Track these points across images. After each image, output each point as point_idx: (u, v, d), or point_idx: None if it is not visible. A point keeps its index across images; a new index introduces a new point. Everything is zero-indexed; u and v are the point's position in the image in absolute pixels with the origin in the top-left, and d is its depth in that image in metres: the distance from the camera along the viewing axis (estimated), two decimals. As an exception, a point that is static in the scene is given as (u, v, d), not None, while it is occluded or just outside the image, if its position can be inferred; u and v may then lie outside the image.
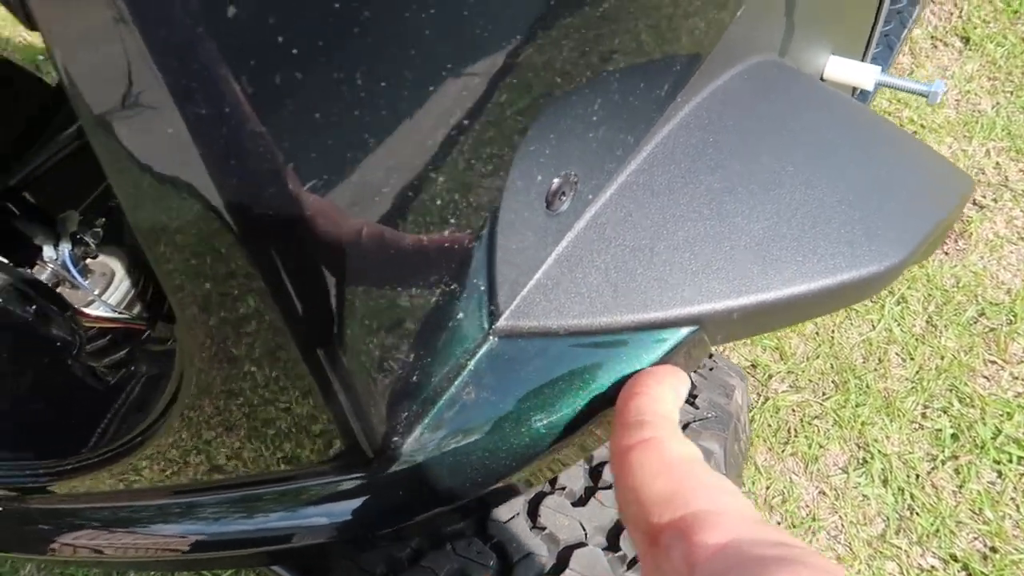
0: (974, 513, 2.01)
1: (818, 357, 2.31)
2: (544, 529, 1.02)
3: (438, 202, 0.51)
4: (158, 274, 0.45)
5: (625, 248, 0.61)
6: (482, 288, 0.58)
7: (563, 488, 1.07)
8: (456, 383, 0.59)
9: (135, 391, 0.65)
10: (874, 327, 2.33)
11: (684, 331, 0.58)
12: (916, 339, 2.27)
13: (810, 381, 2.29)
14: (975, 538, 1.98)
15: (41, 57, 3.52)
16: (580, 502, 1.04)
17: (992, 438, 2.08)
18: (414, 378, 0.57)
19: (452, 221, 0.53)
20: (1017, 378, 2.17)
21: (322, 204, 0.45)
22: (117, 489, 0.61)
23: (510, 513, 1.04)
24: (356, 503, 0.60)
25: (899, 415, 2.16)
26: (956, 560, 1.95)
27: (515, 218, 0.57)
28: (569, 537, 1.01)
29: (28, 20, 0.40)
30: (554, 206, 0.60)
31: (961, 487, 2.05)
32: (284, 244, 0.44)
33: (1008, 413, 2.11)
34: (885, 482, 2.08)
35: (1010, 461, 2.05)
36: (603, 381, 0.59)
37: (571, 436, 0.60)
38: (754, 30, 0.74)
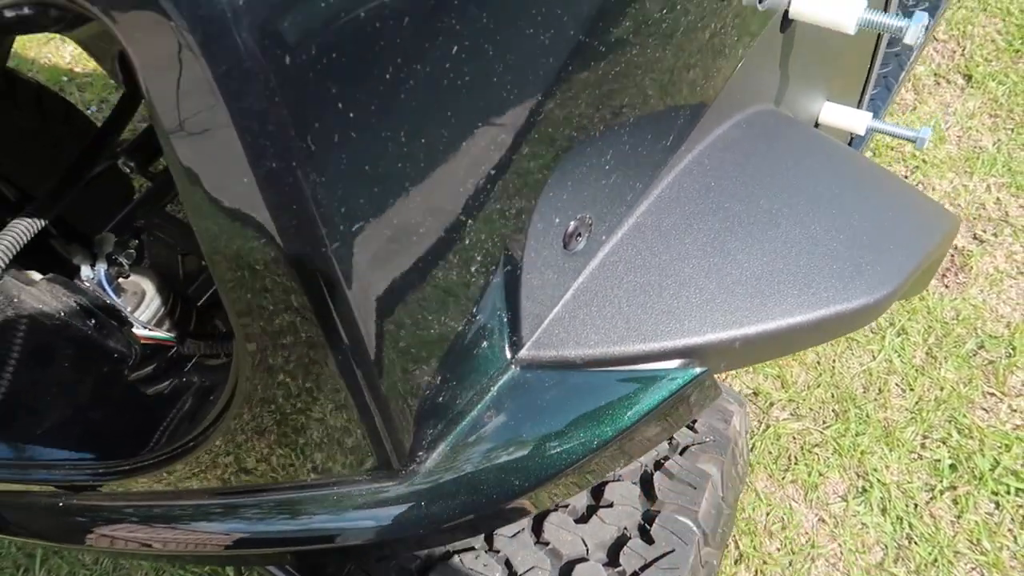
0: (972, 544, 2.07)
1: (819, 386, 2.38)
2: (547, 544, 1.09)
3: (467, 241, 0.59)
4: (224, 298, 0.52)
5: (636, 284, 0.68)
6: (506, 320, 0.65)
7: (566, 505, 1.14)
8: (479, 406, 0.67)
9: (186, 402, 0.72)
10: (874, 357, 2.40)
11: (696, 370, 0.65)
12: (916, 370, 2.34)
13: (811, 409, 2.35)
14: (973, 568, 2.04)
15: (65, 78, 3.63)
16: (582, 519, 1.12)
17: (990, 469, 2.15)
18: (441, 399, 0.65)
19: (479, 259, 0.61)
20: (1015, 411, 2.23)
21: (369, 243, 0.52)
22: (165, 490, 0.68)
23: (515, 528, 1.11)
24: (381, 511, 0.67)
25: (898, 445, 2.22)
26: (953, 591, 2.01)
27: (536, 257, 0.65)
28: (571, 552, 1.08)
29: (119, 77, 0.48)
30: (571, 246, 0.67)
31: (959, 517, 2.11)
32: (335, 277, 0.52)
33: (1006, 445, 2.17)
34: (884, 511, 2.14)
35: (1008, 492, 2.12)
36: (616, 414, 0.66)
37: (582, 463, 0.67)
38: (751, 82, 0.82)
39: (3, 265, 0.80)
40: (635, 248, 0.71)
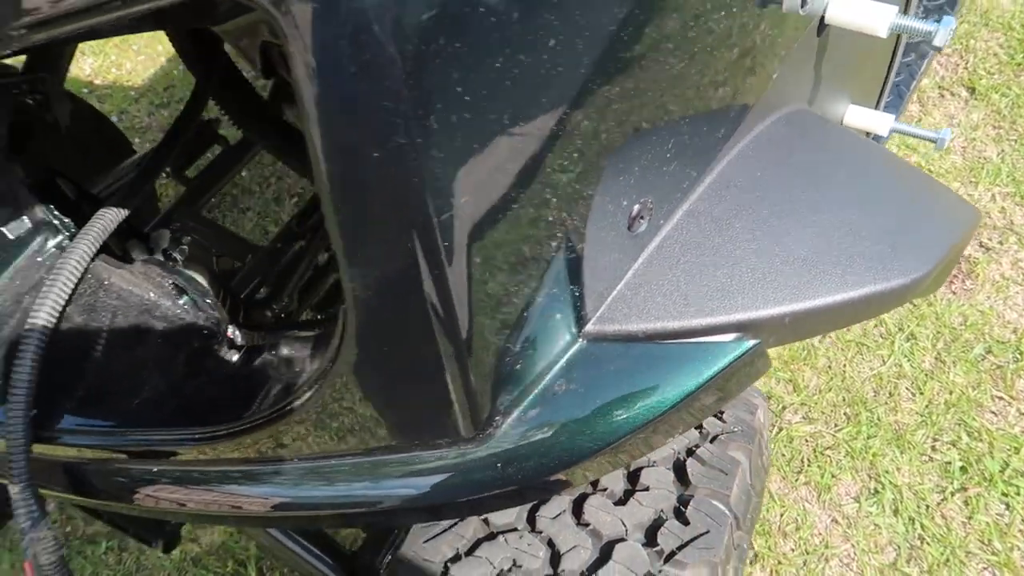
0: (983, 544, 2.13)
1: (831, 390, 2.44)
2: (588, 525, 1.15)
3: (550, 218, 0.66)
4: (343, 262, 0.59)
5: (692, 264, 0.75)
6: (575, 296, 0.72)
7: (604, 489, 1.20)
8: (549, 376, 0.73)
9: (277, 373, 0.78)
10: (884, 362, 2.47)
11: (749, 343, 0.72)
12: (925, 374, 2.41)
13: (823, 413, 2.42)
14: (984, 568, 2.10)
15: (85, 90, 3.71)
16: (620, 502, 1.18)
17: (1000, 471, 2.21)
18: (515, 369, 0.71)
19: (558, 236, 0.67)
20: (1023, 414, 2.30)
21: (469, 215, 0.59)
22: (251, 456, 0.74)
23: (557, 510, 1.17)
24: (459, 474, 0.73)
25: (909, 447, 2.29)
26: (965, 590, 2.07)
27: (604, 237, 0.72)
28: (611, 532, 1.14)
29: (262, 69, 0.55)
30: (634, 228, 0.74)
31: (970, 518, 2.17)
32: (439, 246, 0.59)
33: (1015, 447, 2.24)
34: (896, 512, 2.20)
35: (1018, 494, 2.18)
36: (677, 383, 0.72)
37: (643, 430, 0.73)
38: (789, 83, 0.90)
39: (94, 250, 0.86)
40: (690, 232, 0.78)
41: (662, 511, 1.17)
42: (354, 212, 0.56)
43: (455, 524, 1.17)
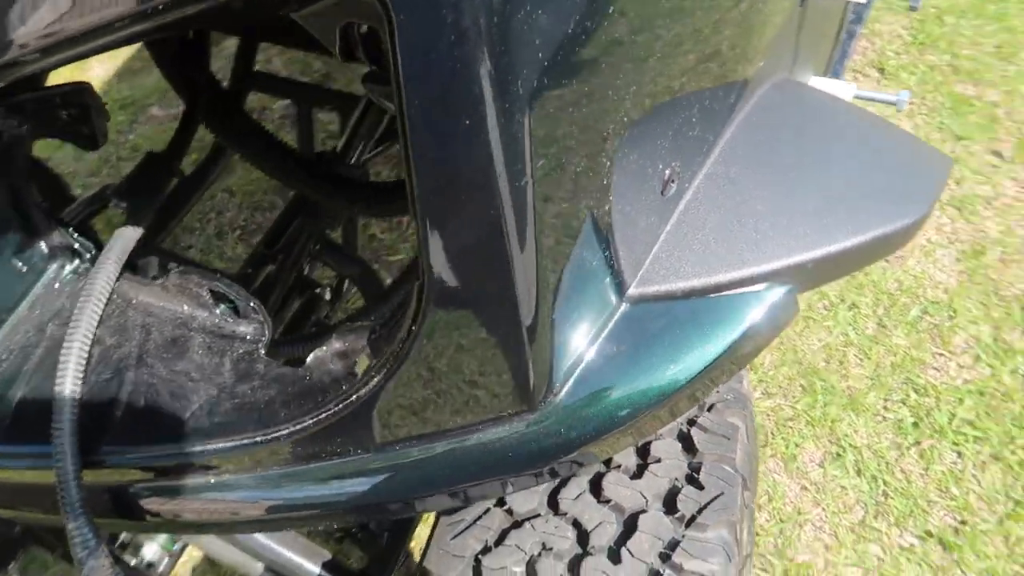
0: (942, 492, 2.27)
1: (784, 364, 2.56)
2: (609, 501, 1.19)
3: (604, 182, 0.70)
4: (425, 232, 0.61)
5: (719, 223, 0.81)
6: (619, 261, 0.76)
7: (619, 466, 1.24)
8: (600, 340, 0.77)
9: (328, 368, 0.79)
10: (831, 332, 2.60)
11: (781, 289, 0.78)
12: (870, 340, 2.56)
13: (780, 387, 2.53)
14: (946, 514, 2.23)
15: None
16: (636, 475, 1.22)
17: (948, 422, 2.36)
18: (572, 333, 0.75)
19: (608, 202, 0.72)
20: (963, 367, 2.47)
21: (548, 178, 0.62)
22: (316, 452, 0.75)
23: (577, 491, 1.21)
24: (527, 444, 0.76)
25: (864, 410, 2.42)
26: (932, 536, 2.19)
27: (642, 202, 0.76)
28: (632, 505, 1.18)
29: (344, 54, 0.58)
30: (665, 192, 0.79)
31: (927, 469, 2.30)
32: (525, 206, 0.62)
33: (959, 399, 2.40)
34: (859, 472, 2.32)
35: (967, 441, 2.33)
36: (719, 335, 0.77)
37: (693, 384, 0.78)
38: (776, 53, 0.97)
39: (118, 270, 0.85)
40: (711, 193, 0.83)
41: (676, 479, 1.22)
42: (439, 181, 0.59)
43: (479, 518, 1.19)
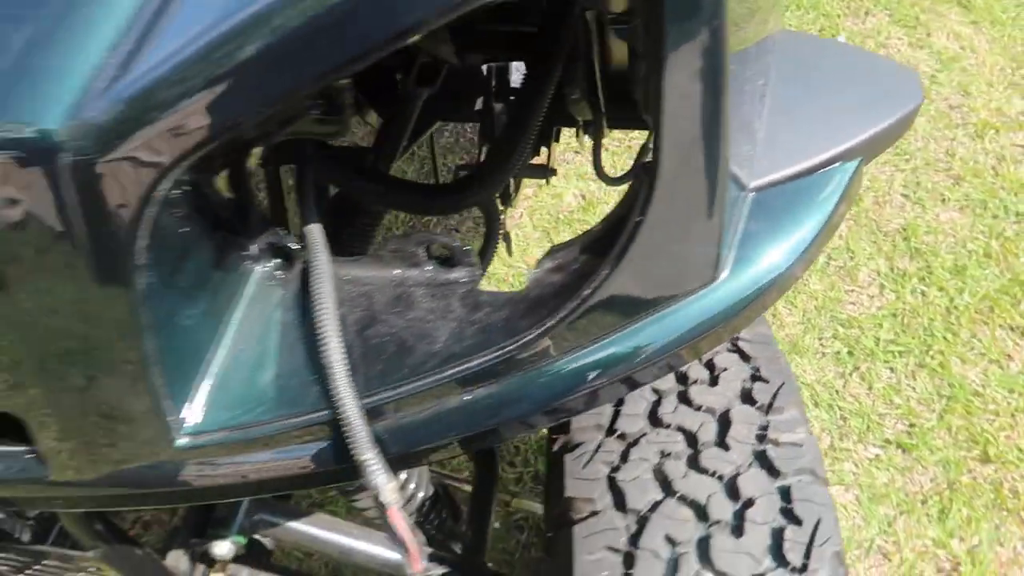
0: (888, 404, 2.63)
1: (727, 329, 2.87)
2: (701, 407, 1.41)
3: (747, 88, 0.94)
4: (666, 145, 0.82)
5: (790, 122, 1.07)
6: (745, 156, 1.00)
7: (695, 381, 1.46)
8: (742, 221, 0.99)
9: (551, 280, 0.95)
10: (758, 294, 2.94)
11: (853, 163, 1.04)
12: (793, 291, 2.92)
13: (730, 348, 2.83)
14: (896, 421, 2.59)
15: None
16: (713, 383, 1.45)
17: (876, 345, 2.75)
18: (727, 216, 0.97)
19: (745, 104, 0.96)
20: (873, 297, 2.88)
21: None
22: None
23: (671, 406, 1.42)
24: (711, 311, 0.97)
25: (805, 351, 2.76)
26: (891, 443, 2.54)
27: (754, 107, 1.01)
28: (721, 405, 1.42)
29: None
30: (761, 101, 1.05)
31: (871, 389, 2.66)
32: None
33: (879, 323, 2.79)
34: (817, 404, 2.65)
35: (895, 357, 2.72)
36: (825, 201, 1.02)
37: (816, 242, 1.01)
38: (776, 15, 1.27)
39: (329, 253, 0.96)
40: (780, 105, 1.10)
41: (744, 380, 1.46)
42: (683, 91, 0.80)
43: (598, 448, 1.37)
